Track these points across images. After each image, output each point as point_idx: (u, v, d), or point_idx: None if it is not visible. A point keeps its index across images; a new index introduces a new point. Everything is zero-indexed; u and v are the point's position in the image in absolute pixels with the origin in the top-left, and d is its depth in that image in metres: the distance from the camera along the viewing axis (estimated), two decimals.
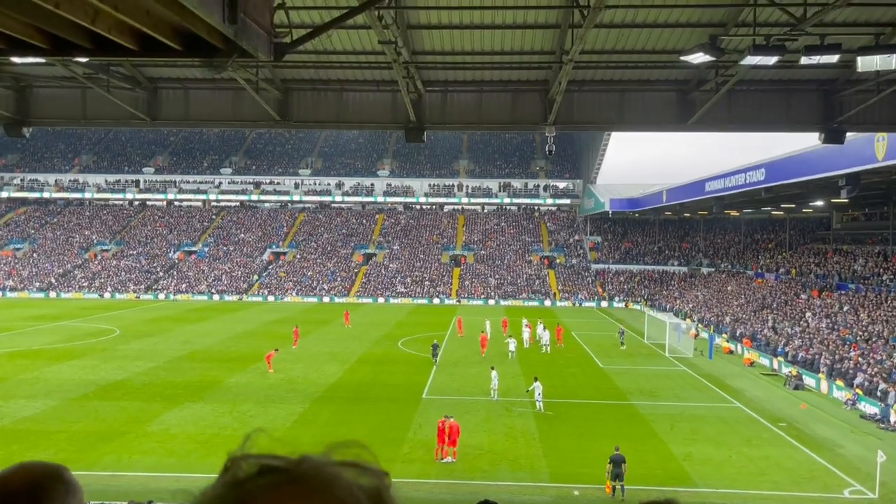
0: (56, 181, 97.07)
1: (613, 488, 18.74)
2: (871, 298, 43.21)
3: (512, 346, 41.12)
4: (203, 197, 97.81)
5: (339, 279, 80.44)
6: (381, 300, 75.55)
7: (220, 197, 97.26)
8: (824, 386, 34.09)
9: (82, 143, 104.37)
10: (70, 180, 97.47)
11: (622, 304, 74.26)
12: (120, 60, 13.90)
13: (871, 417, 28.95)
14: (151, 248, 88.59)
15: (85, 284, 79.20)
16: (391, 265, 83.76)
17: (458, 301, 75.25)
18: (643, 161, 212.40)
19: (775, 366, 39.44)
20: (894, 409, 28.20)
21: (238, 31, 5.89)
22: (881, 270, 46.70)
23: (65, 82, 15.39)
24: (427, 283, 79.41)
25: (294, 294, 76.76)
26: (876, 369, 32.47)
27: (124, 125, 15.33)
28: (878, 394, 30.28)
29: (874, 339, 36.85)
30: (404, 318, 60.45)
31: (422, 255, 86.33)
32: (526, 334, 46.15)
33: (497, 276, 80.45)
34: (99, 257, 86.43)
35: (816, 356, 37.23)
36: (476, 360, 38.60)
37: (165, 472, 21.00)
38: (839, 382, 33.26)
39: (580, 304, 74.36)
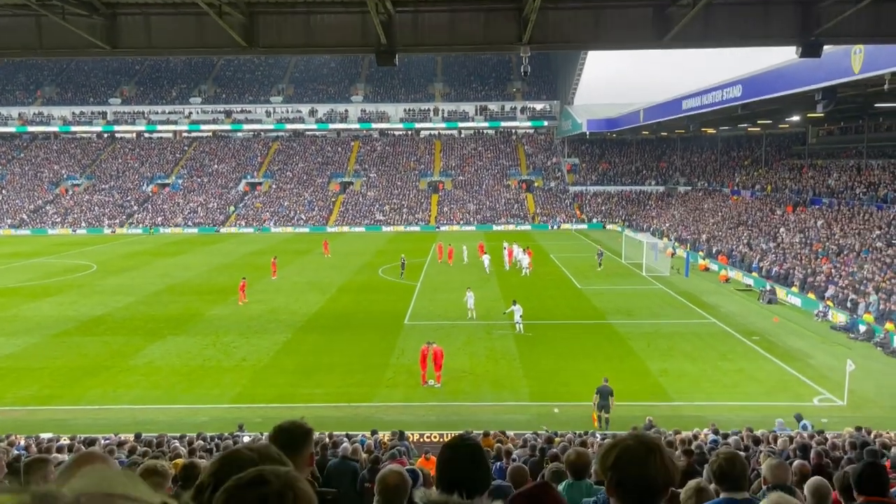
0: (20, 114, 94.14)
1: (599, 419, 18.89)
2: (844, 212, 43.82)
3: (486, 262, 44.14)
4: (173, 127, 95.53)
5: (316, 209, 79.90)
6: (359, 229, 75.38)
7: (191, 127, 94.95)
8: (796, 299, 34.92)
9: (44, 74, 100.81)
10: (34, 113, 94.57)
11: (601, 226, 74.79)
12: None
13: (841, 328, 29.79)
14: (124, 182, 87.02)
15: (58, 220, 78.01)
16: (369, 193, 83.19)
17: (438, 227, 75.27)
18: (624, 76, 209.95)
19: (750, 281, 40.23)
20: (864, 320, 29.03)
21: None
22: (854, 184, 47.20)
23: (17, 10, 14.66)
24: (405, 210, 79.15)
25: (273, 224, 76.25)
26: (847, 281, 33.23)
27: (83, 54, 14.72)
28: (849, 305, 31.09)
29: (846, 252, 37.57)
30: (384, 245, 60.49)
31: (399, 183, 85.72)
32: (505, 257, 46.64)
33: (476, 202, 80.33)
34: (70, 192, 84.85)
35: (790, 270, 37.98)
36: (456, 286, 38.87)
37: (152, 405, 21.23)
38: (811, 295, 34.06)
39: (558, 227, 74.72)
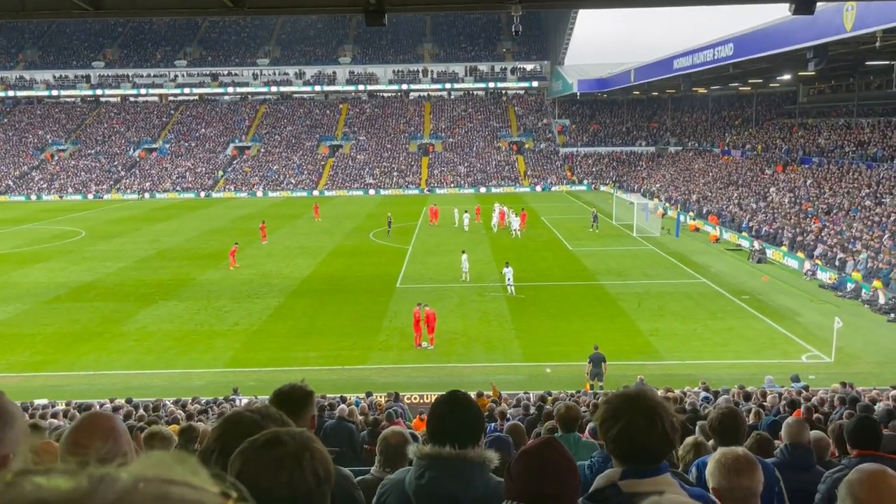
0: (2, 79, 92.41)
1: (592, 386, 18.78)
2: (834, 171, 43.91)
3: (465, 221, 46.26)
4: (159, 91, 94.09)
5: (305, 172, 79.35)
6: (354, 192, 74.98)
7: (177, 90, 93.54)
8: (794, 262, 35.12)
9: (25, 37, 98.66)
10: (17, 77, 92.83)
11: (591, 187, 74.67)
12: None
13: (830, 286, 30.05)
14: (110, 147, 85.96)
15: (44, 186, 77.22)
16: (358, 156, 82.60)
17: (428, 191, 74.94)
18: (615, 36, 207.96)
19: (740, 241, 40.41)
20: (852, 278, 29.29)
21: None
22: (844, 143, 47.21)
23: None
24: (396, 173, 78.72)
25: (262, 188, 75.70)
26: (835, 240, 33.44)
27: (66, 16, 14.38)
28: (837, 263, 31.33)
29: (835, 211, 37.74)
30: (374, 209, 60.24)
31: (389, 145, 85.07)
32: (495, 219, 46.61)
33: (466, 164, 79.92)
34: (56, 158, 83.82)
35: (779, 230, 38.17)
36: (448, 248, 38.90)
37: (145, 370, 21.30)
38: (800, 254, 34.29)
39: (549, 189, 74.56)
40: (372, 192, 74.91)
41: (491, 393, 15.95)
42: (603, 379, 18.70)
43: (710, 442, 3.90)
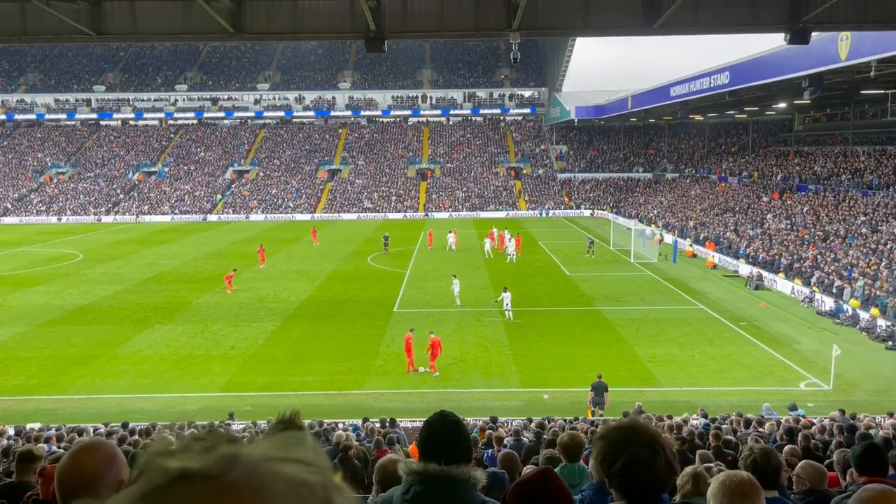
0: (3, 102, 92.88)
1: (593, 413, 18.58)
2: (830, 199, 44.11)
3: (451, 241, 48.16)
4: (159, 115, 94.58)
5: (304, 196, 79.53)
6: (347, 216, 75.07)
7: (177, 115, 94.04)
8: (783, 285, 35.09)
9: (26, 60, 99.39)
10: (17, 100, 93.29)
11: (589, 213, 74.83)
12: None
13: (827, 313, 30.03)
14: (109, 170, 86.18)
15: (42, 209, 77.25)
16: (357, 181, 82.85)
17: (427, 215, 75.04)
18: (612, 63, 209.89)
19: (738, 268, 40.42)
20: (849, 305, 29.28)
21: None
22: (840, 171, 47.50)
23: None
24: (394, 198, 78.92)
25: (260, 212, 75.79)
26: (832, 267, 33.48)
27: (68, 40, 14.53)
28: (834, 290, 31.35)
29: (831, 238, 37.85)
30: (372, 233, 60.30)
31: (387, 170, 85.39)
32: (488, 245, 46.59)
33: (464, 189, 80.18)
34: (55, 180, 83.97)
35: (776, 257, 38.23)
36: (445, 273, 38.86)
37: (141, 394, 21.15)
38: (797, 281, 34.28)
39: (546, 214, 74.70)
40: (370, 216, 74.89)
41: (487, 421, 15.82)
42: (604, 408, 18.51)
43: (714, 466, 3.87)
